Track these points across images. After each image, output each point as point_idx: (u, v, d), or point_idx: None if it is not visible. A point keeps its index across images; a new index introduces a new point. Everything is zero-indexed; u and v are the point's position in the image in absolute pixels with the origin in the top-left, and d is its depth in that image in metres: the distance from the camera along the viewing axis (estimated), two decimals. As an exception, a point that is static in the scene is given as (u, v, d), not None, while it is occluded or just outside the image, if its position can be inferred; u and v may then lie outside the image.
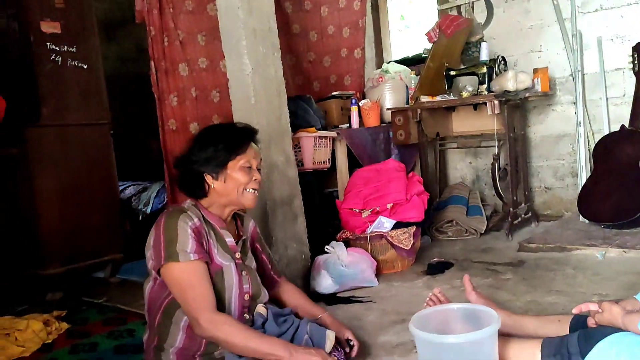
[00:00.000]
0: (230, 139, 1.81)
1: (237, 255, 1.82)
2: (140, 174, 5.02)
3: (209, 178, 1.78)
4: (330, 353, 1.70)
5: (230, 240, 1.81)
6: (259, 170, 1.85)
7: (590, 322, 1.62)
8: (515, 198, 3.67)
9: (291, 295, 2.07)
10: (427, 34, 3.84)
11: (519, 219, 3.72)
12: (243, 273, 1.80)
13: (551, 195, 4.09)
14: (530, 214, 3.85)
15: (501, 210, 3.93)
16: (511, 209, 3.63)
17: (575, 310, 1.64)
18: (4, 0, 3.26)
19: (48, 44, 3.24)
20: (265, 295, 1.87)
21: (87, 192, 3.35)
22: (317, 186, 3.93)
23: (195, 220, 1.71)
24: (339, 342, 1.82)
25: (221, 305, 1.70)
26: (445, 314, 1.74)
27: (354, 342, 1.87)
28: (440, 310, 1.75)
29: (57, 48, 3.28)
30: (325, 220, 3.50)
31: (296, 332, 1.75)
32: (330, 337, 1.72)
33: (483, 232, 3.71)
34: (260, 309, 1.78)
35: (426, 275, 2.99)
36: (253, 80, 2.69)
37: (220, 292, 1.72)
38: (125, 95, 5.26)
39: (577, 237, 3.25)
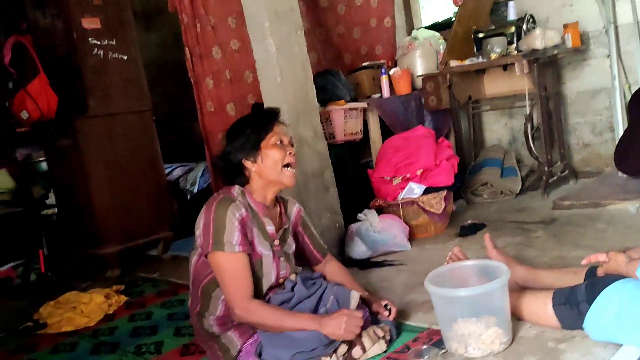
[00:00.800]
0: (256, 122, 1.94)
1: (276, 242, 1.94)
2: (186, 155, 5.27)
3: (248, 163, 1.89)
4: None
5: (270, 228, 1.92)
6: (292, 146, 1.96)
7: (600, 271, 1.70)
8: (549, 157, 3.66)
9: (334, 273, 2.14)
10: (452, -2, 3.84)
11: (555, 177, 3.72)
12: (281, 259, 1.93)
13: (590, 151, 4.04)
14: (567, 172, 3.84)
15: (537, 170, 3.93)
16: (546, 168, 3.63)
17: (584, 262, 1.72)
18: (48, 1, 3.49)
19: (90, 39, 3.46)
20: (298, 269, 2.02)
21: (134, 176, 3.59)
22: (353, 157, 4.04)
23: (243, 210, 1.83)
24: (364, 302, 1.95)
25: (259, 289, 1.86)
26: (461, 270, 1.85)
27: (391, 306, 1.96)
28: (456, 268, 1.87)
29: (98, 42, 3.49)
30: (359, 189, 3.61)
31: (323, 293, 1.90)
32: (354, 297, 1.85)
33: (518, 192, 3.74)
34: (294, 276, 1.94)
35: (458, 237, 3.07)
36: (278, 59, 2.81)
37: (260, 278, 1.87)
38: (166, 81, 5.49)
39: (612, 192, 3.25)
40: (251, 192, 1.93)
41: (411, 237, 3.12)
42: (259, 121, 1.94)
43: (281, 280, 1.94)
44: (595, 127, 3.99)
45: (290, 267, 1.98)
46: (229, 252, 1.77)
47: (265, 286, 1.90)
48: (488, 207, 3.66)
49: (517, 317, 1.83)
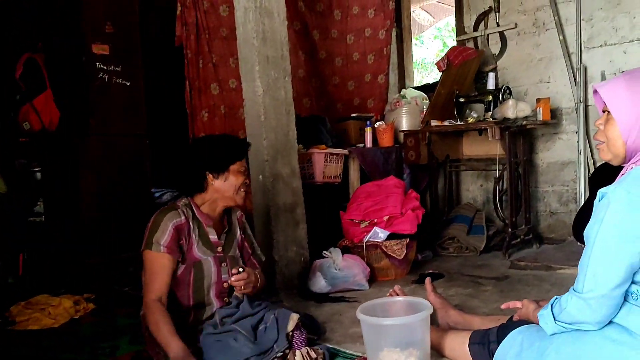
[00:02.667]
0: (235, 146, 2.17)
1: (219, 249, 2.13)
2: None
3: (210, 177, 2.09)
4: (292, 331, 2.00)
5: (213, 237, 2.12)
6: (248, 175, 2.20)
7: (515, 317, 1.88)
8: (514, 219, 3.86)
9: None
10: (437, 63, 4.14)
11: (518, 240, 3.91)
12: (222, 265, 2.12)
13: (555, 219, 4.25)
14: (531, 236, 4.03)
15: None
16: (509, 230, 3.83)
17: (503, 306, 1.92)
18: (64, 26, 3.79)
19: (97, 63, 3.75)
20: None
21: (123, 194, 3.81)
22: (332, 199, 4.25)
23: (182, 218, 2.04)
24: (303, 324, 2.12)
25: (201, 288, 2.06)
26: (392, 304, 2.02)
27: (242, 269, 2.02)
28: (388, 302, 2.04)
29: (105, 67, 3.78)
30: (332, 228, 3.80)
31: (265, 314, 2.06)
32: (293, 318, 2.01)
33: (482, 249, 3.92)
34: (239, 292, 2.11)
35: (416, 283, 3.24)
36: (264, 100, 3.06)
37: (200, 279, 2.06)
38: (168, 109, 5.74)
39: (566, 258, 3.43)
40: (199, 203, 2.12)
41: (373, 279, 3.29)
42: (236, 147, 2.16)
43: (225, 285, 2.11)
44: (562, 196, 4.21)
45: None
46: (155, 251, 1.97)
47: (206, 285, 2.07)
48: (452, 260, 3.84)
49: (440, 354, 1.99)
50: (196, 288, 2.07)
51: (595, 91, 1.61)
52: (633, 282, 1.47)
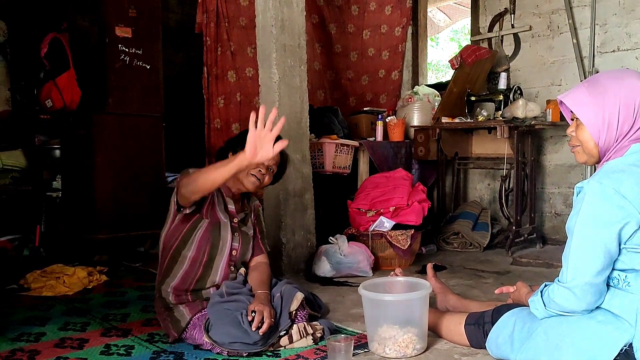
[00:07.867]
0: (241, 135, 2.19)
1: (235, 220, 2.26)
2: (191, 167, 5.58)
3: (230, 155, 2.12)
4: (296, 311, 2.10)
5: (231, 207, 2.26)
6: (267, 169, 2.23)
7: (509, 300, 1.96)
8: (519, 218, 3.92)
9: (255, 271, 2.28)
10: (450, 61, 4.20)
11: (522, 238, 3.97)
12: (235, 234, 2.24)
13: (560, 220, 4.30)
14: (535, 235, 4.09)
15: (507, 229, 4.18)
16: (514, 227, 3.89)
17: (497, 291, 2.00)
18: (88, 8, 3.90)
19: (119, 45, 3.85)
20: (248, 256, 2.30)
21: (137, 173, 3.90)
22: (341, 189, 4.34)
23: None
24: (307, 301, 2.21)
25: (217, 249, 2.16)
26: (394, 284, 2.11)
27: (256, 313, 1.96)
28: (389, 281, 2.13)
29: (127, 49, 3.88)
30: (338, 217, 3.89)
31: (272, 290, 2.17)
32: (298, 297, 2.10)
33: (485, 246, 3.99)
34: (244, 270, 2.22)
35: (419, 274, 3.32)
36: (279, 87, 3.15)
37: (218, 239, 2.17)
38: (186, 97, 5.86)
39: (567, 257, 3.49)
40: None
41: (377, 267, 3.37)
42: (240, 137, 2.15)
43: (234, 252, 2.22)
44: (568, 199, 4.26)
45: (244, 243, 2.25)
46: (193, 172, 2.00)
47: (219, 250, 2.17)
48: (455, 255, 3.91)
49: (438, 335, 2.07)
50: (212, 245, 2.16)
51: (561, 102, 1.68)
52: (614, 269, 1.56)
